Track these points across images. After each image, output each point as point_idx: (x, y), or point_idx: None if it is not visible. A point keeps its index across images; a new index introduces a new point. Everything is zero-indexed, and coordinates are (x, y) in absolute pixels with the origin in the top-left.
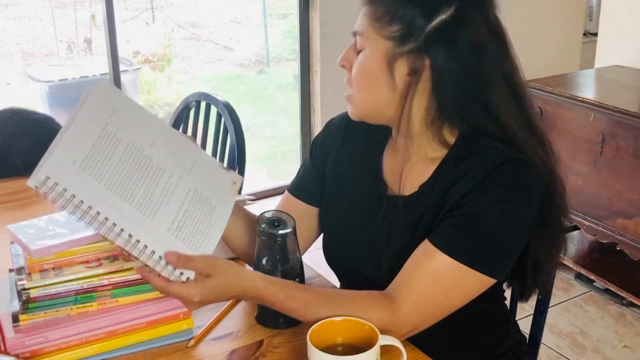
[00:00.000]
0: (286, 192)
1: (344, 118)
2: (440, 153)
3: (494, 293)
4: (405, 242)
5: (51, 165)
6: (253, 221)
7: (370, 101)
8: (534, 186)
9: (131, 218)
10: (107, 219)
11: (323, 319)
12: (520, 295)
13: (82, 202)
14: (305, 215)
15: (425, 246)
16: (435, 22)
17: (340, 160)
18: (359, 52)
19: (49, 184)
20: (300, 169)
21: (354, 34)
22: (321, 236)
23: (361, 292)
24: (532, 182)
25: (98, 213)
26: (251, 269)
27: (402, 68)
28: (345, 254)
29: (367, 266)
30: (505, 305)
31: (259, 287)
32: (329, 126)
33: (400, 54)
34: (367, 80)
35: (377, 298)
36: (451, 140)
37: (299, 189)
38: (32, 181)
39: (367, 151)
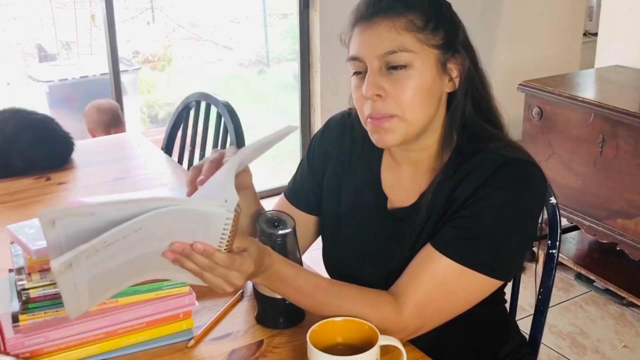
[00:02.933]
0: (282, 195)
1: (342, 122)
2: (440, 161)
3: (496, 296)
4: (408, 253)
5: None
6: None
7: (427, 116)
8: (539, 186)
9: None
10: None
11: (327, 307)
12: None
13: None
14: (300, 222)
15: (427, 250)
16: (460, 22)
17: (340, 167)
18: (390, 70)
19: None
20: (297, 171)
21: (388, 53)
22: (320, 238)
23: (367, 288)
24: (538, 182)
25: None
26: None
27: (451, 71)
28: (346, 264)
29: (370, 276)
30: (505, 308)
31: (274, 257)
32: (329, 126)
33: (447, 59)
34: (426, 95)
35: (382, 295)
36: (450, 148)
37: (296, 196)
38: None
39: (366, 162)
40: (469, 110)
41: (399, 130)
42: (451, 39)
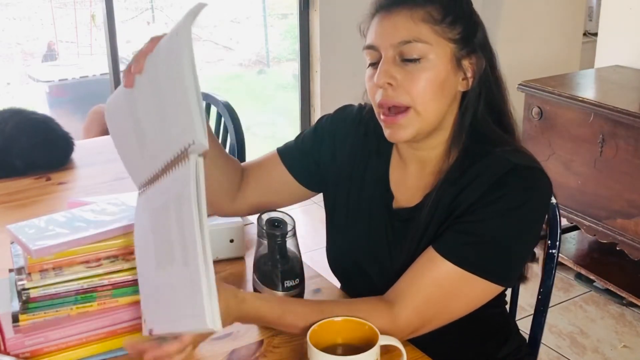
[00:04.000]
0: (275, 150)
1: (359, 118)
2: (447, 161)
3: (497, 299)
4: (412, 253)
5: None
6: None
7: (440, 110)
8: (544, 193)
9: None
10: None
11: None
12: None
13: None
14: (281, 180)
15: (429, 253)
16: (481, 23)
17: (352, 159)
18: (404, 61)
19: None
20: (299, 136)
21: (402, 43)
22: (323, 237)
23: (358, 300)
24: (544, 189)
25: None
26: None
27: (466, 69)
28: (349, 258)
29: (371, 273)
30: (505, 310)
31: (256, 306)
32: (343, 114)
33: (463, 56)
34: (439, 89)
35: (375, 304)
36: (457, 149)
37: (288, 154)
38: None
39: (376, 158)
40: (481, 112)
41: (412, 125)
42: (468, 35)
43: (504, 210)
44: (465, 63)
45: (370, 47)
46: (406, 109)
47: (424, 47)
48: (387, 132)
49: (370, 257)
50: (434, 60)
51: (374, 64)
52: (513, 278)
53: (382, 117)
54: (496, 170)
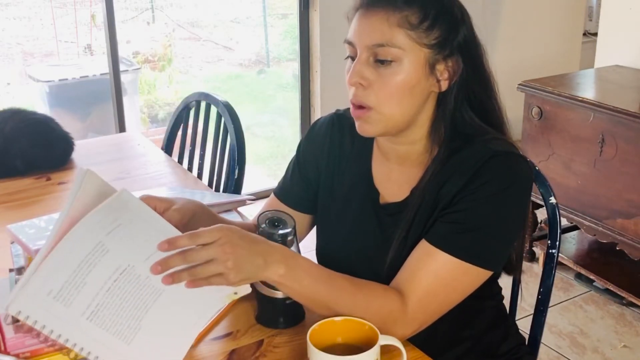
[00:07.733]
0: (272, 194)
1: (331, 123)
2: (429, 155)
3: (490, 289)
4: (401, 247)
5: (25, 299)
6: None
7: (406, 113)
8: (525, 176)
9: (108, 345)
10: (82, 348)
11: (343, 295)
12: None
13: (59, 335)
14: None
15: (424, 246)
16: (466, 19)
17: (331, 168)
18: (377, 62)
19: (22, 317)
20: (287, 171)
21: (376, 46)
22: (314, 239)
23: (375, 283)
24: (523, 173)
25: (75, 344)
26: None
27: (440, 73)
28: (341, 262)
29: (362, 271)
30: (503, 304)
31: (285, 248)
32: (314, 130)
33: (438, 60)
34: (408, 92)
35: (389, 289)
36: (438, 141)
37: (286, 194)
38: (10, 310)
39: (357, 158)
40: (462, 110)
41: (377, 123)
42: (446, 39)
43: (488, 196)
44: (440, 67)
45: (348, 43)
46: (370, 108)
47: (397, 52)
48: (357, 125)
49: (360, 254)
50: (407, 64)
51: (352, 58)
52: (501, 262)
53: (352, 111)
54: (477, 159)
